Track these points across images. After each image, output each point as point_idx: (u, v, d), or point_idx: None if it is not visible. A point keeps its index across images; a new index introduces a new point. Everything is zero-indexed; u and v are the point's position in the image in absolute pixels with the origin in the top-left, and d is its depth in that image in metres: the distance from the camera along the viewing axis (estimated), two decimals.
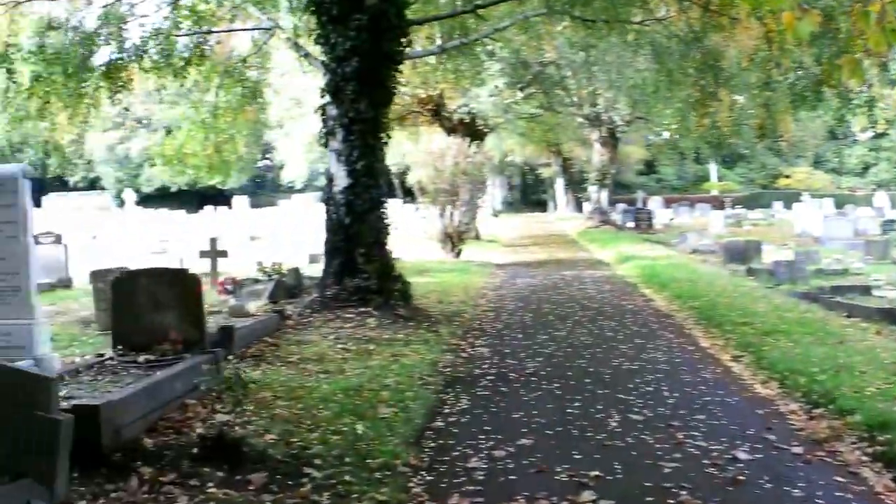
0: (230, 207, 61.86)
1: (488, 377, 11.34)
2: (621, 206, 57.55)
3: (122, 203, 75.83)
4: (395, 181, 59.23)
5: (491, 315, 17.43)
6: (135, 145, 70.19)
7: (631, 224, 48.46)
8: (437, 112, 37.20)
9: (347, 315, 14.89)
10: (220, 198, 68.98)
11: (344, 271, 15.83)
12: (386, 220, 16.36)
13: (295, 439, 7.76)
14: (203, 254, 20.06)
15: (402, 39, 16.48)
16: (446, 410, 9.60)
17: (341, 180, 15.94)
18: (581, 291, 21.11)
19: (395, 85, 16.83)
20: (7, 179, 10.57)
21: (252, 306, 15.91)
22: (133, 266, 26.55)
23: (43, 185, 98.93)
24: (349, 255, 15.82)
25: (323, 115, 16.53)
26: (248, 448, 7.24)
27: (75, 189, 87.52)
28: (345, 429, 8.20)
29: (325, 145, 16.48)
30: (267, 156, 72.74)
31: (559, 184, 75.66)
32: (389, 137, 16.84)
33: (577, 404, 9.66)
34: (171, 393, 8.50)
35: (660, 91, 26.23)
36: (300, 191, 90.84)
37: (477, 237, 39.80)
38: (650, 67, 25.88)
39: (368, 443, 7.87)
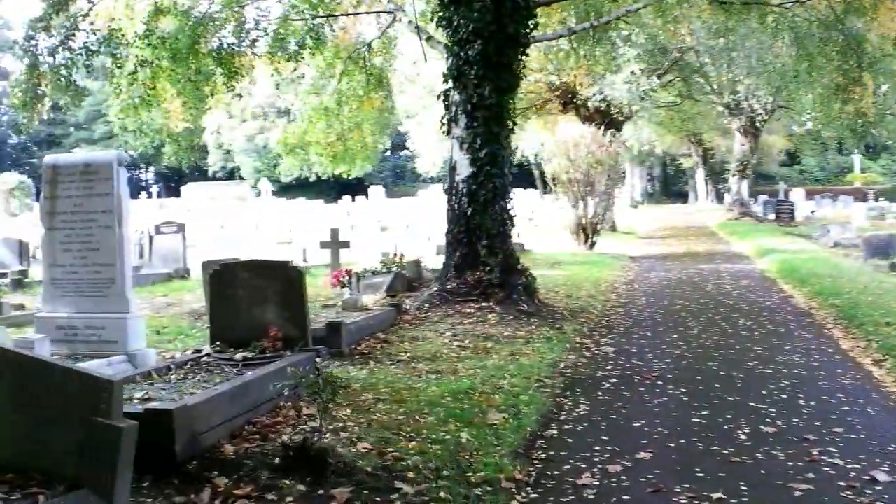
0: (367, 198, 61.88)
1: (611, 380, 10.49)
2: (763, 197, 55.71)
3: (259, 193, 76.94)
4: (535, 171, 58.60)
5: (620, 311, 16.53)
6: (273, 135, 70.15)
7: (772, 216, 46.95)
8: (570, 100, 36.25)
9: (467, 310, 14.22)
10: (357, 188, 69.40)
11: (465, 264, 15.17)
12: (511, 211, 15.62)
13: (390, 449, 7.08)
14: (324, 244, 19.59)
15: (529, 22, 15.65)
16: (562, 417, 8.79)
17: (464, 169, 15.27)
18: (717, 287, 20.02)
19: (521, 69, 16.02)
20: (102, 167, 10.19)
21: (369, 300, 15.39)
22: (259, 256, 26.65)
23: (180, 175, 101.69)
24: (471, 247, 15.15)
25: (445, 100, 15.88)
26: (336, 459, 6.57)
27: (214, 178, 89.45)
28: (447, 437, 7.51)
29: (448, 133, 15.82)
30: (407, 146, 72.68)
31: (699, 174, 73.80)
32: (515, 124, 16.10)
33: (703, 413, 8.75)
34: (262, 395, 7.88)
35: (800, 77, 24.82)
36: (440, 181, 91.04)
37: (613, 229, 38.85)
38: (790, 52, 24.49)
39: (471, 453, 7.18)
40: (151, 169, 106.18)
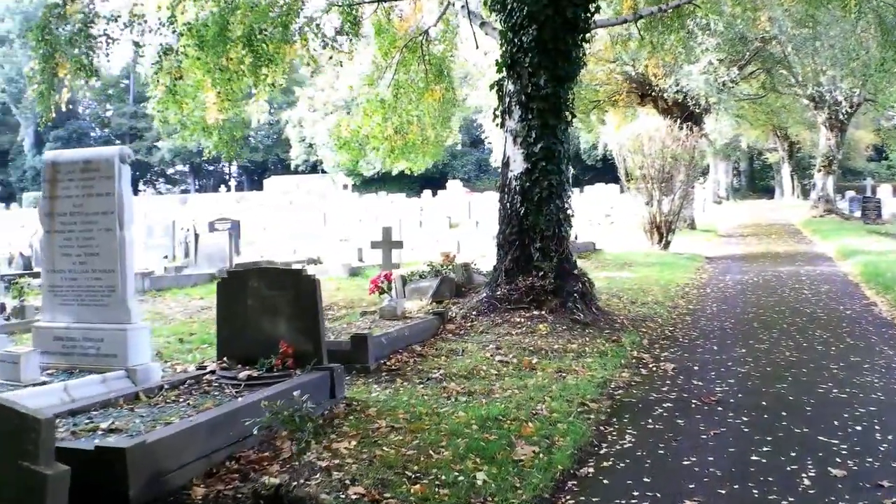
0: (434, 194, 61.29)
1: (665, 403, 9.32)
2: (850, 193, 53.75)
3: (345, 186, 76.62)
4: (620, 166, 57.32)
5: (687, 320, 15.30)
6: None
7: (858, 214, 45.42)
8: (647, 92, 34.87)
9: (517, 319, 13.16)
10: (440, 182, 68.79)
11: (517, 268, 14.10)
12: (568, 211, 14.48)
13: (388, 495, 6.05)
14: (375, 244, 18.62)
15: (590, 5, 14.45)
16: (602, 450, 7.65)
17: (517, 165, 14.20)
18: (795, 292, 18.68)
19: (582, 57, 14.84)
20: (103, 164, 9.29)
21: (413, 306, 14.43)
22: (318, 254, 25.84)
23: (263, 168, 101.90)
24: (523, 250, 14.09)
25: (499, 91, 14.83)
26: None
27: (296, 172, 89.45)
28: (461, 478, 6.46)
29: (502, 125, 14.74)
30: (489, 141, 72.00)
31: (785, 170, 71.79)
32: (574, 117, 14.92)
33: (764, 449, 7.55)
34: (250, 424, 6.87)
35: (886, 65, 23.26)
36: None
37: (692, 227, 37.55)
38: (875, 40, 22.95)
39: (485, 499, 6.11)
40: (234, 162, 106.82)
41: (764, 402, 9.24)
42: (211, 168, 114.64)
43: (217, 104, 17.69)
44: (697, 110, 34.57)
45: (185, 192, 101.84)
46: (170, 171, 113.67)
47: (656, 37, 21.39)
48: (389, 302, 13.52)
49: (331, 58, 19.26)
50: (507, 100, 14.44)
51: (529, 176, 13.99)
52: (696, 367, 11.17)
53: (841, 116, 44.75)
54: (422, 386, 9.75)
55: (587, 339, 12.46)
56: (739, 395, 9.60)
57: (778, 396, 9.52)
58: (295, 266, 22.96)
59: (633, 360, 11.63)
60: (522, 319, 13.12)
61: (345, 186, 78.16)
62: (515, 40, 14.11)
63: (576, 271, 14.31)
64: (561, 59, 14.01)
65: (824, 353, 11.97)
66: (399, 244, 18.42)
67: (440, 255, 17.47)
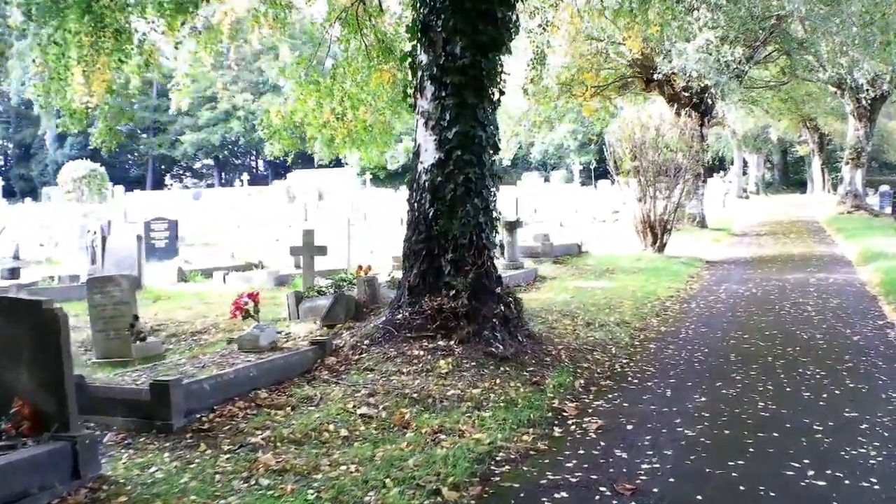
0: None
1: (558, 494, 6.52)
2: (883, 188, 50.72)
3: (365, 182, 76.25)
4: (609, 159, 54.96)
5: (650, 349, 12.42)
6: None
7: (888, 210, 42.82)
8: (651, 77, 31.92)
9: (415, 351, 10.37)
10: None
11: (423, 285, 11.26)
12: (493, 213, 11.59)
13: None
14: (294, 250, 15.86)
15: None
16: None
17: (428, 155, 11.39)
18: (796, 309, 15.78)
19: (515, 23, 11.98)
20: None
21: (303, 330, 11.71)
22: (274, 258, 23.14)
23: (286, 163, 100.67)
24: (431, 263, 11.25)
25: (412, 64, 12.00)
26: None
27: (320, 166, 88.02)
28: None
29: (414, 107, 11.94)
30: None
31: (816, 162, 68.92)
32: (502, 94, 11.98)
33: None
34: None
35: None
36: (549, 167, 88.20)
37: (702, 225, 34.51)
38: None
39: None
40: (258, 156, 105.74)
41: (700, 497, 6.42)
42: (238, 162, 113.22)
43: (88, 85, 14.73)
44: (710, 98, 31.55)
45: (210, 186, 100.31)
46: (196, 165, 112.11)
47: (637, 4, 18.39)
48: (252, 330, 10.63)
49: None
50: (420, 74, 11.64)
51: (442, 168, 11.17)
52: (629, 427, 8.35)
53: (865, 103, 41.60)
54: (227, 457, 7.13)
55: (500, 379, 9.67)
56: (670, 481, 6.77)
57: (726, 485, 6.68)
58: (218, 272, 20.29)
59: (550, 414, 8.80)
60: (422, 352, 10.32)
61: (363, 182, 76.19)
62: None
63: (499, 289, 11.38)
64: (483, 22, 11.15)
65: (811, 404, 9.09)
66: (322, 250, 15.62)
67: (357, 266, 14.60)
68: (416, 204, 11.46)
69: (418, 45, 11.63)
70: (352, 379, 9.55)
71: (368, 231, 31.34)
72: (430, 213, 11.19)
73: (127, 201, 55.66)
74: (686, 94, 32.06)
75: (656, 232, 24.83)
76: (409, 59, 12.02)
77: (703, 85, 28.43)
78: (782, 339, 12.72)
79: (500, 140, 11.93)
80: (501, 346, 10.60)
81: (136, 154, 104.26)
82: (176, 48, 16.13)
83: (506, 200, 41.58)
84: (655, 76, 30.42)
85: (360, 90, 18.78)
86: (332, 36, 18.71)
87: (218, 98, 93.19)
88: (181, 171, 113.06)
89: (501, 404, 8.81)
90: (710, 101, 32.24)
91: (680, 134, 24.80)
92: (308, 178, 74.69)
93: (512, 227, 19.93)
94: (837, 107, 48.94)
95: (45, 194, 71.60)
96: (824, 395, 9.37)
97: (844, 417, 8.50)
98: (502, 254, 16.10)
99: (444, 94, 11.21)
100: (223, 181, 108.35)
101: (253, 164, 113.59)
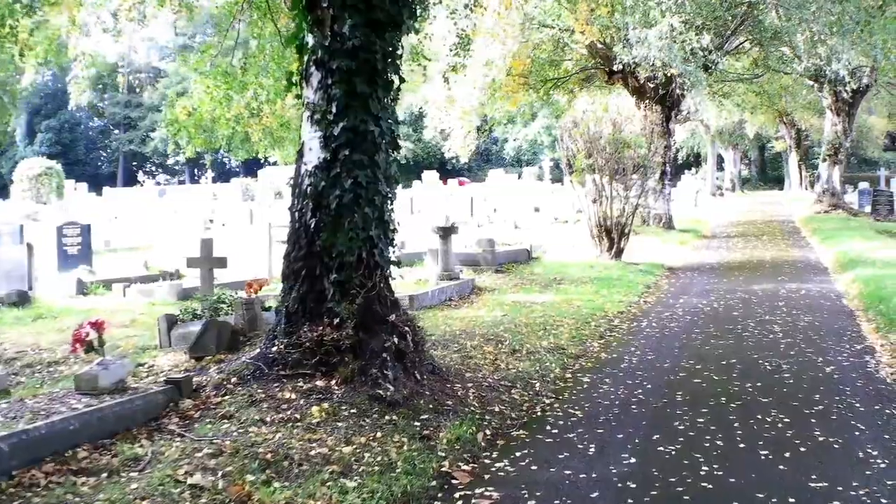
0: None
1: None
2: (862, 185, 49.39)
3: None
4: (562, 157, 54.11)
5: (583, 383, 10.57)
6: None
7: (868, 208, 41.56)
8: (614, 68, 30.09)
9: (286, 394, 8.55)
10: (442, 172, 69.58)
11: (303, 311, 9.40)
12: (388, 224, 9.73)
13: None
14: (191, 262, 13.99)
15: None
16: None
17: (312, 154, 9.54)
18: (762, 328, 14.02)
19: None
20: None
21: (167, 361, 9.84)
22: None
23: (258, 160, 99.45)
24: (313, 284, 9.39)
25: (299, 47, 10.09)
26: None
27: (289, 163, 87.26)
28: None
29: (299, 97, 10.11)
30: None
31: (793, 159, 67.76)
32: (402, 81, 10.11)
33: None
34: None
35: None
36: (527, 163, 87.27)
37: (668, 226, 32.69)
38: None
39: None
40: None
41: None
42: (211, 158, 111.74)
43: None
44: (671, 88, 29.67)
45: (181, 182, 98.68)
46: (170, 161, 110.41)
47: None
48: (92, 367, 8.71)
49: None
50: (307, 59, 9.78)
51: (327, 171, 9.33)
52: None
53: (846, 95, 40.00)
54: None
55: (382, 432, 7.85)
56: None
57: None
58: (119, 284, 18.37)
59: (434, 483, 7.01)
60: (295, 395, 8.47)
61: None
62: None
63: (394, 317, 9.51)
64: None
65: (768, 468, 7.30)
66: (222, 262, 13.73)
67: (248, 283, 12.62)
68: (297, 213, 9.61)
69: (303, 24, 9.77)
70: (202, 431, 7.71)
71: None
72: (312, 225, 9.35)
73: (75, 201, 53.36)
74: (651, 87, 30.30)
75: (613, 236, 22.95)
76: (296, 42, 10.12)
77: (667, 75, 26.58)
78: (741, 372, 10.91)
79: (399, 136, 10.03)
80: (392, 388, 8.74)
81: (108, 150, 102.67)
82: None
83: (462, 201, 39.82)
84: (615, 66, 28.64)
85: (276, 82, 16.90)
86: (242, 21, 16.78)
87: (189, 94, 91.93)
88: (153, 168, 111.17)
89: (376, 468, 7.04)
90: (678, 93, 30.33)
91: (640, 129, 22.96)
92: (277, 176, 73.81)
93: (446, 233, 18.06)
94: (815, 101, 47.69)
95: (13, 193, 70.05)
96: (786, 455, 7.58)
97: (809, 490, 6.74)
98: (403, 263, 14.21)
99: (330, 81, 9.39)
100: (195, 178, 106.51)
101: (226, 160, 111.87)
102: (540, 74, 32.83)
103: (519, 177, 73.86)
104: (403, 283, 17.41)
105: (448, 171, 72.85)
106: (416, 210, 36.32)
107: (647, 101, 30.69)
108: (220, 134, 17.47)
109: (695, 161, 76.72)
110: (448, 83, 19.25)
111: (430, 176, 64.98)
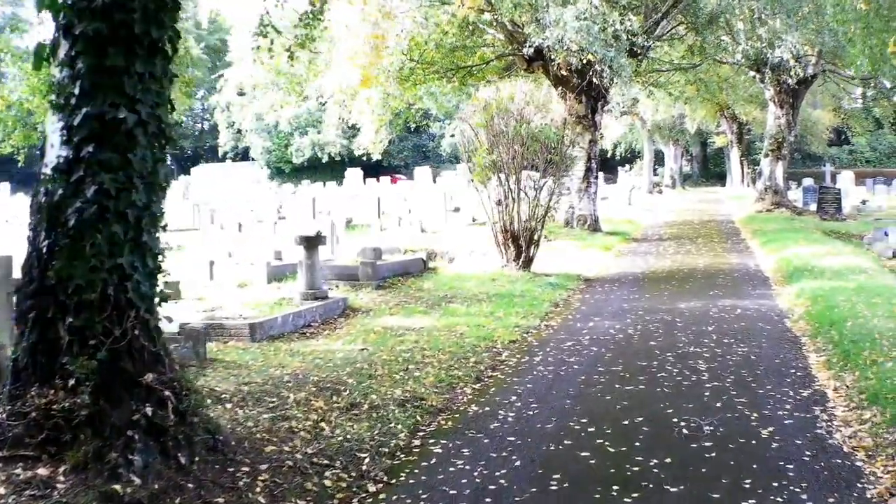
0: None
1: None
2: (806, 182, 47.90)
3: (272, 175, 78.22)
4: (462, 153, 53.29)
5: (429, 460, 8.07)
6: (285, 114, 63.49)
7: (813, 206, 40.17)
8: (532, 56, 27.69)
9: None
10: (380, 169, 68.92)
11: (33, 367, 6.86)
12: (149, 246, 7.16)
13: None
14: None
15: None
16: None
17: (52, 153, 7.01)
18: (684, 365, 11.60)
19: None
20: None
21: None
22: None
23: (194, 157, 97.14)
24: (46, 330, 6.85)
25: (54, 11, 7.45)
26: None
27: (224, 160, 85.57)
28: None
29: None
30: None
31: (734, 154, 67.04)
32: (175, 52, 7.50)
33: None
34: None
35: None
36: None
37: (594, 228, 30.35)
38: None
39: None
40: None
41: None
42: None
43: None
44: (591, 75, 27.25)
45: None
46: None
47: None
48: None
49: None
50: (56, 24, 7.19)
51: (68, 175, 6.80)
52: None
53: (792, 84, 38.17)
54: None
55: None
56: None
57: None
58: None
59: None
60: (5, 490, 6.05)
61: (286, 174, 76.84)
62: None
63: (150, 377, 6.93)
64: None
65: None
66: None
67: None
68: (31, 234, 7.04)
69: None
70: None
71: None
72: (45, 249, 6.81)
73: None
74: (570, 74, 27.94)
75: (520, 243, 20.40)
76: (50, 2, 7.47)
77: (583, 60, 24.21)
78: (648, 439, 8.44)
79: (169, 127, 7.41)
80: (138, 480, 6.24)
81: None
82: None
83: (367, 201, 37.15)
84: (526, 51, 26.29)
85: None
86: None
87: None
88: None
89: None
90: (604, 81, 27.93)
91: (551, 119, 20.51)
92: (212, 173, 72.44)
93: (311, 243, 15.51)
94: (757, 93, 46.62)
95: None
96: None
97: None
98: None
99: (74, 52, 6.85)
100: None
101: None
102: (449, 61, 30.35)
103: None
104: (259, 304, 14.98)
105: (385, 168, 72.00)
106: (319, 212, 33.62)
107: (569, 92, 28.26)
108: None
109: (632, 158, 75.17)
110: (292, 60, 16.53)
111: (354, 173, 62.35)
